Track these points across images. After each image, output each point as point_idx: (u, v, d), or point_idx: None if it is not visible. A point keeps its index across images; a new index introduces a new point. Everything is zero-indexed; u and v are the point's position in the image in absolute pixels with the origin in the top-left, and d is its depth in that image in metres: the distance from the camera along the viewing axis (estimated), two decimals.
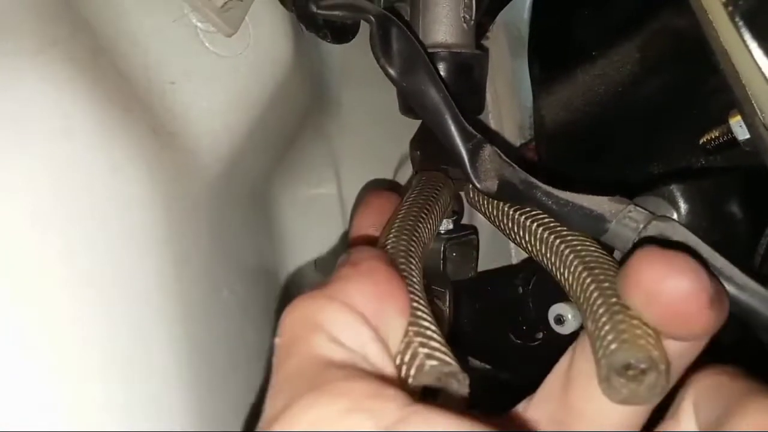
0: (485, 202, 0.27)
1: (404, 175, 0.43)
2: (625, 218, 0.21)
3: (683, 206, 0.23)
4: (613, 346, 0.18)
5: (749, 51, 0.21)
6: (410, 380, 0.18)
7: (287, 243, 0.34)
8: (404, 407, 0.15)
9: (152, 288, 0.20)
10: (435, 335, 0.19)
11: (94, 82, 0.20)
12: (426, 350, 0.18)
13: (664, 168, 0.29)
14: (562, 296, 0.28)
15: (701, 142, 0.28)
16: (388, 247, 0.22)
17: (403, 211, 0.25)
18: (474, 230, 0.37)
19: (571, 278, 0.21)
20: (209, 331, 0.23)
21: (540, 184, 0.24)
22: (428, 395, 0.18)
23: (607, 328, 0.18)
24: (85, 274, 0.17)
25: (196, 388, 0.22)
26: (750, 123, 0.25)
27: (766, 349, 0.21)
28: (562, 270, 0.22)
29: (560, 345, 0.28)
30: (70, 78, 0.19)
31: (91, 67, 0.20)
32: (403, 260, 0.21)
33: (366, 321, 0.18)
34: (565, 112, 0.36)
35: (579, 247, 0.21)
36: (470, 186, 0.28)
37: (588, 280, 0.20)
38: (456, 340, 0.35)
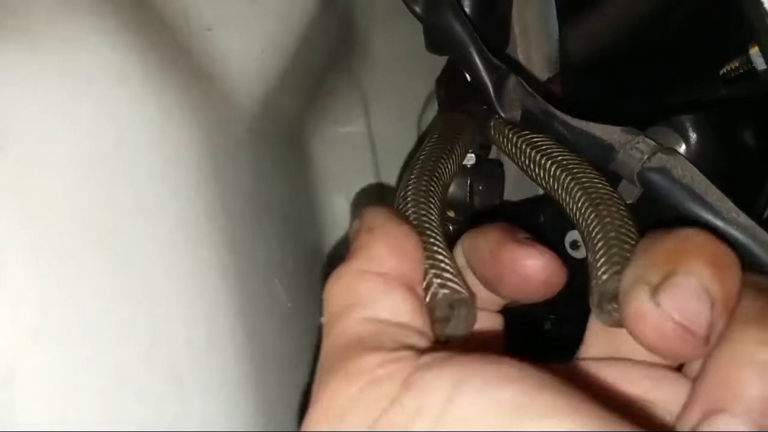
0: (504, 140, 0.29)
1: (431, 113, 0.44)
2: (632, 149, 0.22)
3: (692, 137, 0.24)
4: (604, 277, 0.19)
5: None
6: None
7: (320, 178, 0.36)
8: (416, 362, 0.16)
9: (202, 217, 0.22)
10: (448, 267, 0.21)
11: (139, 32, 0.21)
12: (439, 281, 0.20)
13: (685, 99, 0.30)
14: None
15: (721, 72, 0.28)
16: (409, 197, 0.24)
17: (422, 158, 0.27)
18: (499, 164, 0.38)
19: (578, 213, 0.22)
20: (252, 256, 0.25)
21: (558, 113, 0.25)
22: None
23: (602, 260, 0.20)
24: (148, 203, 0.20)
25: (240, 304, 0.24)
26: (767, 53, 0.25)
27: None
28: (571, 206, 0.23)
29: (575, 270, 0.29)
30: (119, 29, 0.21)
31: (136, 18, 0.22)
32: (423, 207, 0.23)
33: (394, 281, 0.20)
34: (590, 44, 0.36)
35: (587, 185, 0.23)
36: (491, 123, 0.29)
37: (592, 216, 0.22)
38: None
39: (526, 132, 0.27)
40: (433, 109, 0.44)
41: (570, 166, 0.24)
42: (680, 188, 0.21)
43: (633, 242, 0.20)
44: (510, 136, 0.28)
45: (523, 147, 0.27)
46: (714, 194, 0.21)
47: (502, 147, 0.29)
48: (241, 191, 0.25)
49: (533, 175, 0.26)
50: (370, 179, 0.39)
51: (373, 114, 0.39)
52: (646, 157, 0.22)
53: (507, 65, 0.30)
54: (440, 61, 0.36)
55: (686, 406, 0.17)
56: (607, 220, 0.21)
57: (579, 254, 0.29)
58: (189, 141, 0.22)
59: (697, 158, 0.23)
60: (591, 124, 0.24)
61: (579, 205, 0.22)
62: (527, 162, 0.27)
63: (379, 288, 0.20)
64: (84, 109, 0.19)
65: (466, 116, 0.31)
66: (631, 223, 0.21)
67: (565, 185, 0.24)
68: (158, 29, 0.23)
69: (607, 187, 0.23)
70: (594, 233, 0.21)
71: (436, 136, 0.29)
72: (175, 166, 0.21)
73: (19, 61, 0.18)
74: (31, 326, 0.17)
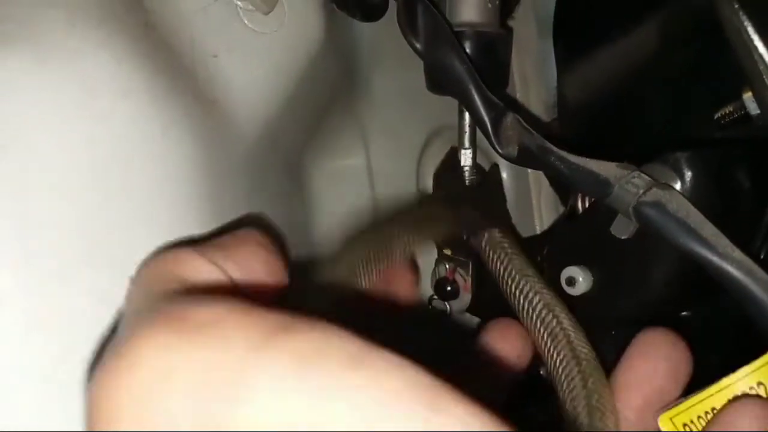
0: (493, 255, 0.30)
1: (430, 153, 0.44)
2: (627, 183, 0.22)
3: (687, 174, 0.24)
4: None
5: (754, 31, 0.22)
6: None
7: (317, 210, 0.36)
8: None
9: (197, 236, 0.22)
10: None
11: (146, 53, 0.22)
12: None
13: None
14: (574, 260, 0.29)
15: (716, 117, 0.29)
16: None
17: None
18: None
19: (554, 352, 0.25)
20: None
21: (555, 149, 0.25)
22: None
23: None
24: (141, 216, 0.20)
25: None
26: (760, 98, 0.26)
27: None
28: (549, 345, 0.26)
29: (570, 306, 0.29)
30: (126, 48, 0.21)
31: (143, 39, 0.22)
32: None
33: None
34: (587, 90, 0.37)
35: (566, 324, 0.26)
36: (485, 235, 0.31)
37: (568, 357, 0.25)
38: (479, 306, 0.37)
39: (517, 256, 0.29)
40: (432, 151, 0.44)
41: (552, 306, 0.26)
42: (675, 223, 0.21)
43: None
44: (500, 254, 0.29)
45: (510, 270, 0.28)
46: (709, 230, 0.21)
47: (488, 260, 0.30)
48: (236, 213, 0.25)
49: (512, 298, 0.28)
50: (367, 214, 0.39)
51: (373, 151, 0.40)
52: (641, 191, 0.22)
53: (505, 104, 0.31)
54: (440, 101, 0.37)
55: None
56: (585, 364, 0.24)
57: (575, 291, 0.29)
58: (186, 160, 0.22)
59: (691, 196, 0.23)
60: (587, 159, 0.25)
61: (557, 345, 0.25)
62: (511, 286, 0.28)
63: (207, 269, 0.17)
64: (84, 120, 0.19)
65: (451, 213, 0.33)
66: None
67: (547, 324, 0.26)
68: (165, 52, 0.23)
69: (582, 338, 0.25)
70: (570, 383, 0.24)
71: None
72: (170, 183, 0.21)
73: (24, 69, 0.18)
74: (17, 329, 0.17)
